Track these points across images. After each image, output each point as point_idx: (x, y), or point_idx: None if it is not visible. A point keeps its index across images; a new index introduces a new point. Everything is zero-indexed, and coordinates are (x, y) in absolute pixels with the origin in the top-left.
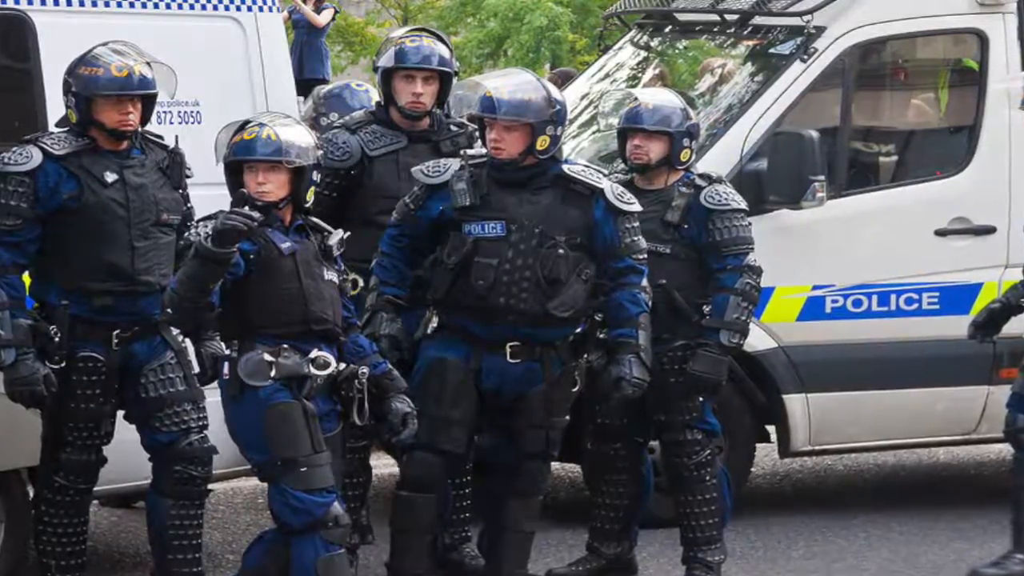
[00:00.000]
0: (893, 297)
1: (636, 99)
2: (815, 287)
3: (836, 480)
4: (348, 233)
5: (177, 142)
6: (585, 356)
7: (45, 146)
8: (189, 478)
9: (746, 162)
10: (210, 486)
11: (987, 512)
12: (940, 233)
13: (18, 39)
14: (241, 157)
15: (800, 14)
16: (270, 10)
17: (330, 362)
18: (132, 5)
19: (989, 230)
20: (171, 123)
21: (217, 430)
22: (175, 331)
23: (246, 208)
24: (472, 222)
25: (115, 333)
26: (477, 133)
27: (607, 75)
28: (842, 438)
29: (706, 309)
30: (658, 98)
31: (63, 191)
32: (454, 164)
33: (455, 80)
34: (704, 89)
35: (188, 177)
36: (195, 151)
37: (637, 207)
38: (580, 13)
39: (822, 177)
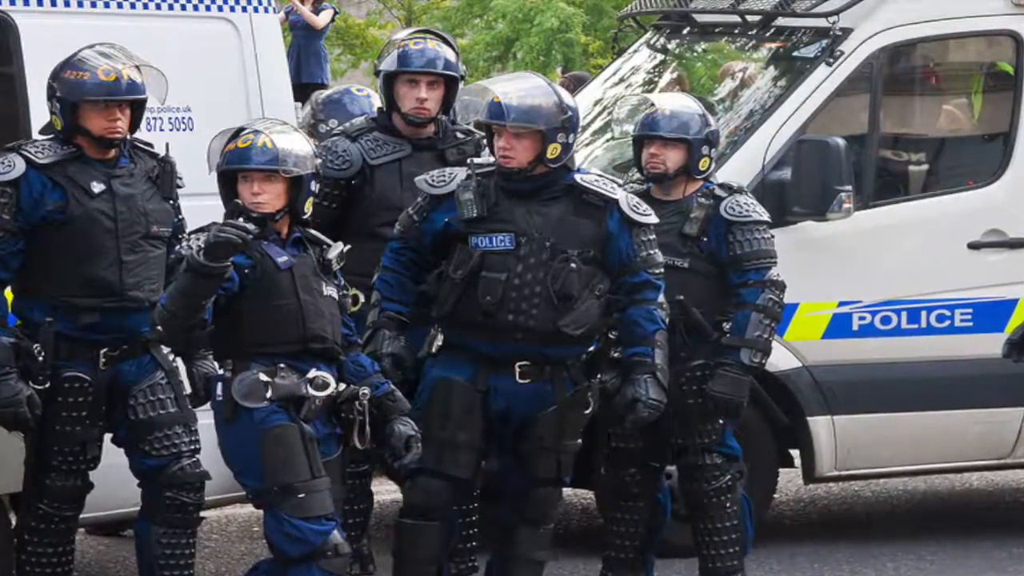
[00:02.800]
0: (924, 314)
1: (652, 105)
2: (841, 303)
3: (864, 507)
4: (348, 246)
5: (168, 150)
6: (598, 376)
7: (28, 154)
8: (180, 505)
9: (768, 171)
10: (202, 513)
11: (1023, 540)
12: (973, 246)
13: (0, 42)
14: (235, 166)
15: (826, 15)
16: (266, 11)
17: (329, 382)
18: (120, 6)
19: None
20: (161, 130)
21: (210, 454)
22: (165, 350)
23: (240, 220)
24: (479, 235)
25: (102, 352)
26: (484, 141)
27: (622, 79)
28: (870, 463)
29: (726, 326)
30: (676, 104)
31: (47, 202)
32: (460, 173)
33: (461, 85)
34: (724, 94)
35: (179, 187)
36: (187, 160)
37: (653, 219)
38: (593, 14)
39: (849, 187)
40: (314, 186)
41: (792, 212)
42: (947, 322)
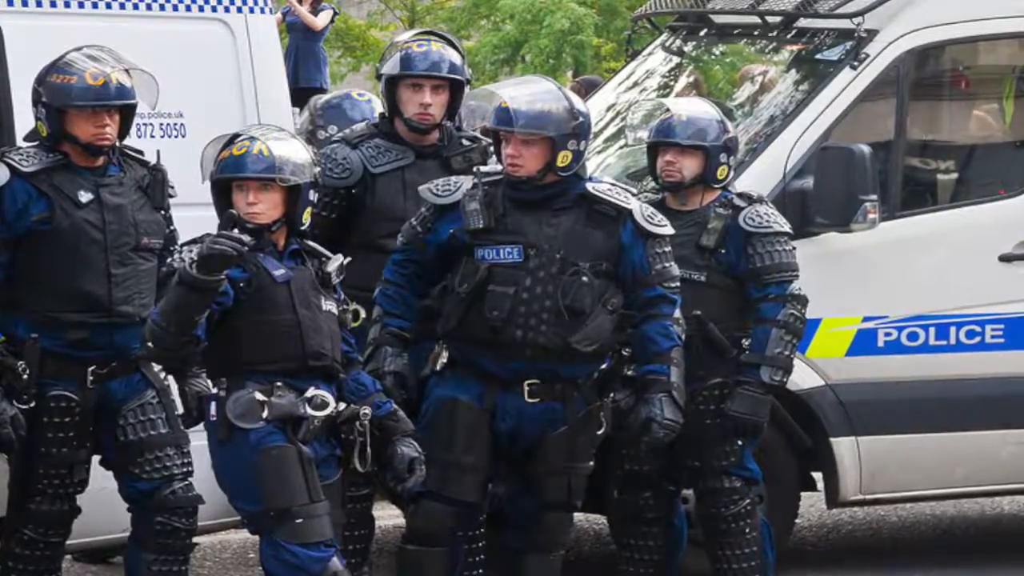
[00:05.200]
0: (953, 330)
1: (668, 110)
2: (866, 319)
3: (890, 533)
4: (349, 259)
5: (159, 158)
6: (611, 395)
7: (13, 162)
8: (172, 530)
9: (790, 180)
10: (195, 539)
11: None
12: (1005, 259)
13: None
14: (230, 174)
15: (850, 16)
16: (262, 11)
17: (328, 402)
18: (109, 6)
19: None
20: (152, 137)
21: (203, 477)
22: (156, 367)
23: (235, 231)
24: (486, 246)
25: (90, 370)
26: (491, 148)
27: (636, 83)
28: (896, 486)
29: (745, 343)
30: (692, 109)
31: (33, 212)
32: (466, 182)
33: (467, 89)
34: (743, 99)
35: (171, 197)
36: (179, 168)
37: (669, 230)
38: (606, 15)
39: (874, 197)
40: (313, 195)
41: (814, 223)
42: (977, 338)
